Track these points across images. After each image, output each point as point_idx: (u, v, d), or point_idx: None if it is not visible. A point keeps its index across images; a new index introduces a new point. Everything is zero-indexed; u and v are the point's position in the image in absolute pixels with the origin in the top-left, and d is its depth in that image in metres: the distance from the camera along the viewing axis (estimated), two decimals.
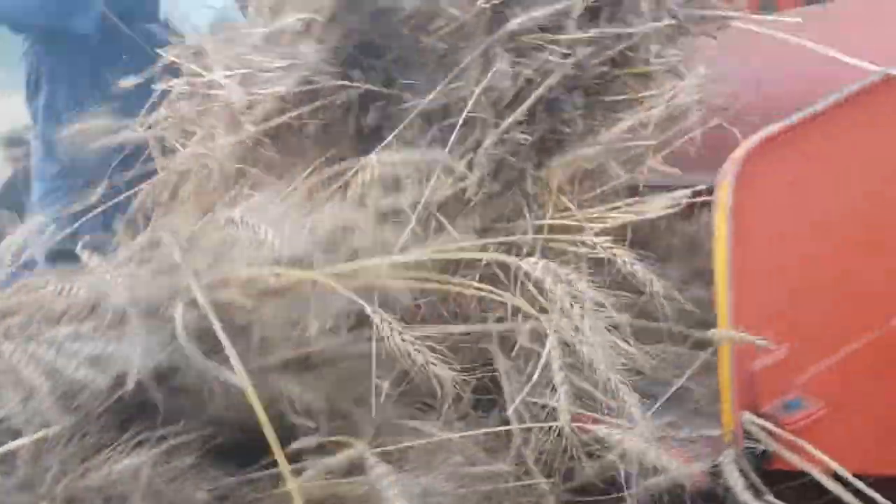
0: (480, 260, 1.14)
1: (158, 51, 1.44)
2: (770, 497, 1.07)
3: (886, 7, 1.68)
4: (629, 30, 1.21)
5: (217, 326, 0.88)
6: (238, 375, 0.87)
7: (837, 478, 1.06)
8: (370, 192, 1.10)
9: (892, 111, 1.19)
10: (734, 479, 1.07)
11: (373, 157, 1.12)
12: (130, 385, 0.86)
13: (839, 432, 1.13)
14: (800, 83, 1.34)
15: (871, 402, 1.20)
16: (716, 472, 1.08)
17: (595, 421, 1.13)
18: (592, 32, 1.19)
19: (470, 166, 1.16)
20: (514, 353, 1.16)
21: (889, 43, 1.37)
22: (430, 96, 1.17)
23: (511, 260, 1.09)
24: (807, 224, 1.17)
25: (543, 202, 1.22)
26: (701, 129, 1.23)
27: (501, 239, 1.19)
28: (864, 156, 1.19)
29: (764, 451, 1.10)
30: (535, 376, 1.08)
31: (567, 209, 1.22)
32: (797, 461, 1.08)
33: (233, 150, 1.26)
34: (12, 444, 0.86)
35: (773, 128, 1.08)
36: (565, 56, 1.16)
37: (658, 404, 1.22)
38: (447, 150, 1.15)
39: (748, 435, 1.11)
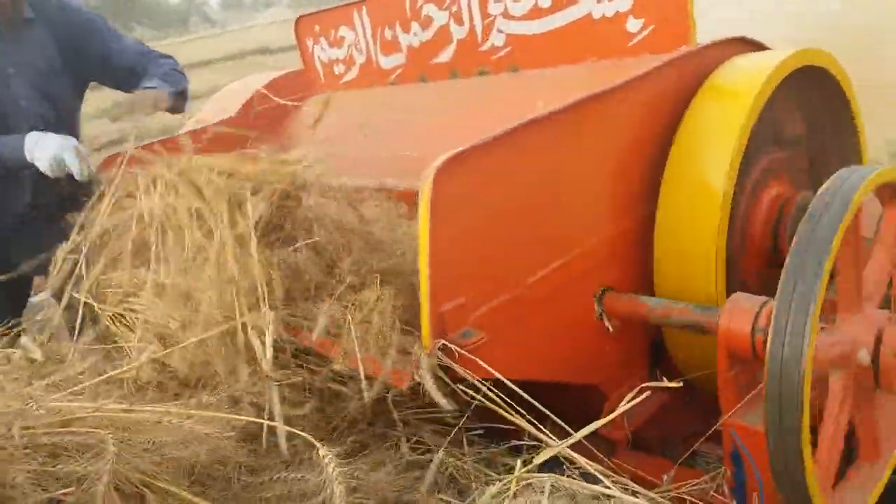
0: None
1: None
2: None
3: None
4: None
5: None
6: None
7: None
8: None
9: (533, 143, 1.47)
10: (429, 383, 1.26)
11: None
12: None
13: (495, 351, 1.36)
14: None
15: (515, 332, 1.48)
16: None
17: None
18: None
19: None
20: None
21: None
22: None
23: None
24: (484, 213, 1.40)
25: None
26: None
27: None
28: (519, 168, 1.45)
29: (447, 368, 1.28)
30: None
31: None
32: (460, 370, 1.28)
33: None
34: None
35: (459, 149, 1.32)
36: None
37: None
38: None
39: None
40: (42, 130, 2.00)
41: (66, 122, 2.16)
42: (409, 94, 2.50)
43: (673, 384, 1.26)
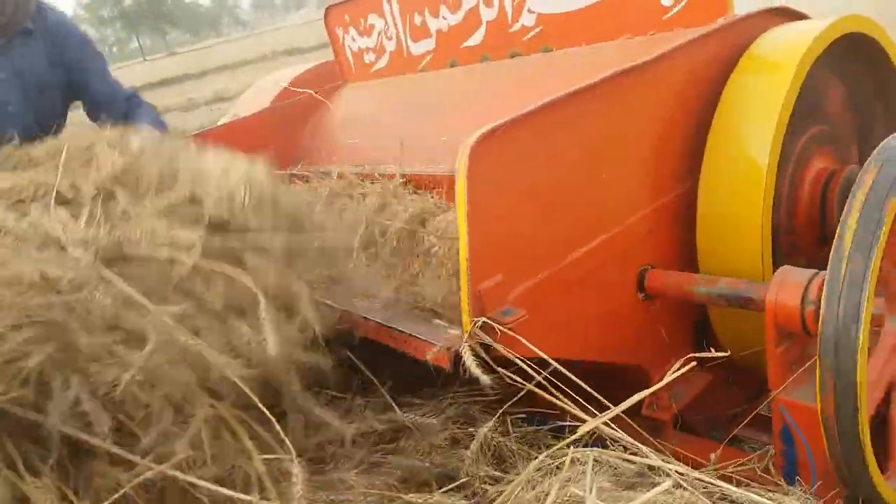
0: None
1: None
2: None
3: None
4: None
5: None
6: None
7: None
8: None
9: (571, 117, 1.44)
10: (469, 360, 1.21)
11: None
12: None
13: (535, 330, 1.29)
14: None
15: (555, 311, 1.44)
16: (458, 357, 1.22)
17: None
18: None
19: None
20: None
21: None
22: None
23: None
24: (522, 190, 1.35)
25: None
26: None
27: None
28: (557, 143, 1.41)
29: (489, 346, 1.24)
30: None
31: None
32: (502, 349, 1.23)
33: None
34: None
35: (495, 124, 1.28)
36: None
37: None
38: None
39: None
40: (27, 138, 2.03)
41: (48, 133, 2.09)
42: (441, 80, 2.45)
43: (720, 355, 1.21)
